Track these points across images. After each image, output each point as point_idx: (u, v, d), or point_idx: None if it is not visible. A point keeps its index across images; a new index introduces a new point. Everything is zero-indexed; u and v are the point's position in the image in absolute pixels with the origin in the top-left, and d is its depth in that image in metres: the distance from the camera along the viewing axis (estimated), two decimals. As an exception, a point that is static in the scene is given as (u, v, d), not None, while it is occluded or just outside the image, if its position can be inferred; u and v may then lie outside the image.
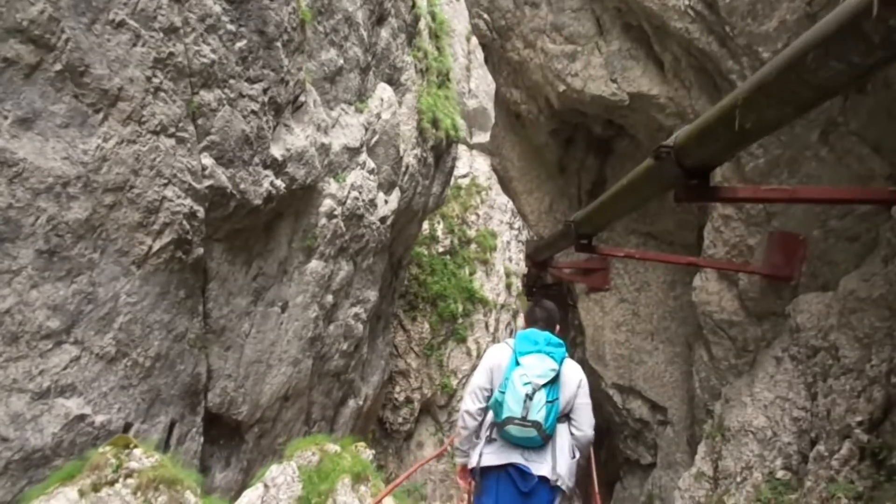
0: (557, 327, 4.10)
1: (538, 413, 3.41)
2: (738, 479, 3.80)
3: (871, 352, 3.26)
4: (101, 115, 6.87)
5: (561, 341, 3.81)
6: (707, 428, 4.80)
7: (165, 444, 8.46)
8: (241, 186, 8.92)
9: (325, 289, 11.39)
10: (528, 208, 9.50)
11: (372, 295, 13.10)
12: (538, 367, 3.51)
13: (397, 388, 19.58)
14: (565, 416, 3.67)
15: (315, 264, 11.09)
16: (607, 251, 5.86)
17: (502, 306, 24.69)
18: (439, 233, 22.50)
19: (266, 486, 5.46)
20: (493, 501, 3.55)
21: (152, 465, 4.40)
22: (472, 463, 3.64)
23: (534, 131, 8.65)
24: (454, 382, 21.08)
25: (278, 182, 9.63)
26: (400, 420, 19.44)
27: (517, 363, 3.56)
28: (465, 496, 4.11)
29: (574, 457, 3.63)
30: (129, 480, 4.08)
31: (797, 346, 3.87)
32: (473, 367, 21.69)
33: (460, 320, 21.80)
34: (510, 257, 24.32)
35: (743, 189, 3.03)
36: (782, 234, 4.26)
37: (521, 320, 27.43)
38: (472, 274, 23.18)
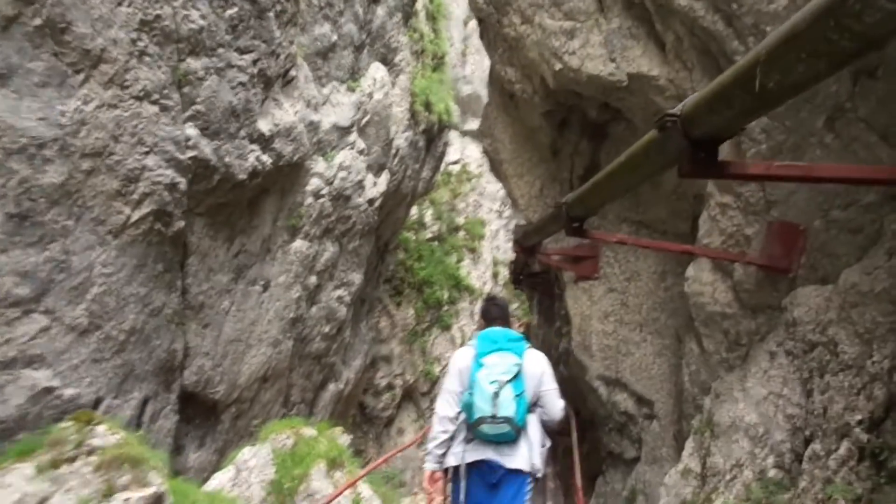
0: (516, 323, 4.14)
1: (508, 409, 3.55)
2: (728, 477, 3.65)
3: (872, 348, 3.12)
4: (81, 77, 6.59)
5: (520, 336, 3.95)
6: (695, 423, 4.62)
7: (137, 421, 8.24)
8: (226, 160, 8.67)
9: (309, 269, 11.18)
10: (519, 192, 9.21)
11: (357, 278, 12.90)
12: (501, 364, 3.65)
13: (379, 374, 19.42)
14: (534, 405, 3.82)
15: (299, 244, 10.87)
16: (599, 236, 5.64)
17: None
18: (428, 218, 22.30)
19: (238, 468, 5.27)
20: (464, 494, 3.71)
21: (116, 443, 4.19)
22: (453, 463, 3.78)
23: (527, 112, 8.38)
24: (437, 369, 20.96)
25: (264, 157, 9.39)
26: (381, 405, 19.30)
27: (480, 364, 3.70)
28: (434, 500, 4.10)
29: (544, 445, 3.83)
30: (91, 458, 3.88)
31: (793, 341, 3.72)
32: (457, 356, 21.59)
33: (446, 307, 21.65)
34: (498, 246, 24.19)
35: (755, 165, 2.87)
36: (782, 225, 4.08)
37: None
38: (459, 261, 23.03)
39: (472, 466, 3.74)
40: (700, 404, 4.87)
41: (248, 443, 8.79)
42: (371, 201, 12.59)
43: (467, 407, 3.70)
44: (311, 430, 6.12)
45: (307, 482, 5.24)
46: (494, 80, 9.45)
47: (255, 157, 9.15)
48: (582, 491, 5.18)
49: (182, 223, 8.26)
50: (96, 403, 7.55)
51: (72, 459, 3.94)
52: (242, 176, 8.96)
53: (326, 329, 12.12)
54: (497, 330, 4.02)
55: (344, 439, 6.61)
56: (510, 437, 3.67)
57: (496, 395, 3.59)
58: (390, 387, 19.53)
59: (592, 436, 8.42)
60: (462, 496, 3.73)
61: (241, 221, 9.73)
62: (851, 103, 3.56)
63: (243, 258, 9.84)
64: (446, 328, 21.68)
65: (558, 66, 5.89)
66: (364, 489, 5.69)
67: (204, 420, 9.85)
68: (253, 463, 5.29)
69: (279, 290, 10.54)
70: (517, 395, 3.63)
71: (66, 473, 3.83)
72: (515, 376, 3.68)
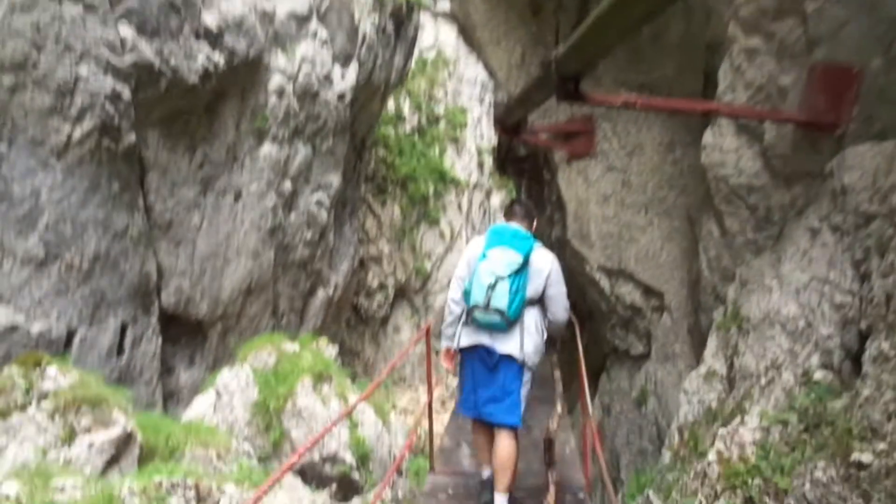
0: (534, 223, 4.40)
1: (500, 301, 3.74)
2: (763, 381, 3.17)
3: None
4: (-19, -23, 5.74)
5: (529, 234, 4.08)
6: (717, 317, 4.11)
7: (118, 348, 7.95)
8: (172, 62, 7.85)
9: (282, 175, 10.57)
10: (496, 62, 8.13)
11: (334, 179, 12.30)
12: (502, 259, 3.80)
13: (370, 275, 19.20)
14: (537, 302, 4.00)
15: (268, 148, 10.19)
16: (600, 98, 4.82)
17: (475, 186, 23.97)
18: (406, 111, 21.28)
19: (218, 392, 4.97)
20: (470, 375, 4.06)
21: (71, 385, 3.83)
22: (454, 345, 4.09)
23: (500, -38, 7.38)
24: (428, 266, 20.73)
25: (216, 56, 8.54)
26: (375, 306, 19.21)
27: (484, 255, 3.88)
28: (450, 374, 4.50)
29: (543, 337, 4.02)
30: (45, 403, 3.52)
31: (842, 214, 3.11)
32: (447, 250, 21.36)
33: (432, 202, 21.11)
34: (481, 134, 23.33)
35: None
36: (828, 68, 3.30)
37: (494, 199, 26.86)
38: (442, 153, 22.24)
39: (473, 349, 4.03)
40: (722, 294, 4.36)
41: (228, 364, 8.58)
42: (341, 96, 11.77)
43: (466, 294, 3.96)
44: (294, 344, 5.78)
45: (293, 400, 4.97)
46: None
47: (205, 56, 8.31)
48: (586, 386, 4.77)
49: (133, 137, 7.59)
50: (69, 337, 7.21)
51: (23, 407, 3.58)
52: (193, 79, 8.17)
53: (308, 235, 11.67)
54: (506, 226, 4.21)
55: (330, 351, 6.31)
56: (501, 326, 3.88)
57: (491, 287, 3.78)
58: (382, 287, 19.37)
59: (593, 331, 7.91)
60: (467, 373, 4.09)
61: (200, 130, 9.01)
62: None
63: (208, 169, 9.21)
64: (434, 223, 21.26)
65: None
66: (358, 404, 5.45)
67: (190, 339, 9.59)
68: (234, 385, 4.98)
69: (252, 199, 9.99)
70: (513, 290, 3.79)
71: (18, 422, 3.47)
72: (516, 272, 3.82)
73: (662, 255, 6.25)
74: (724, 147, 4.26)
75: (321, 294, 12.77)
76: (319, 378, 5.35)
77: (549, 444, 4.27)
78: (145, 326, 8.49)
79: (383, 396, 16.92)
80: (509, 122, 6.44)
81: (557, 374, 4.88)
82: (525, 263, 3.87)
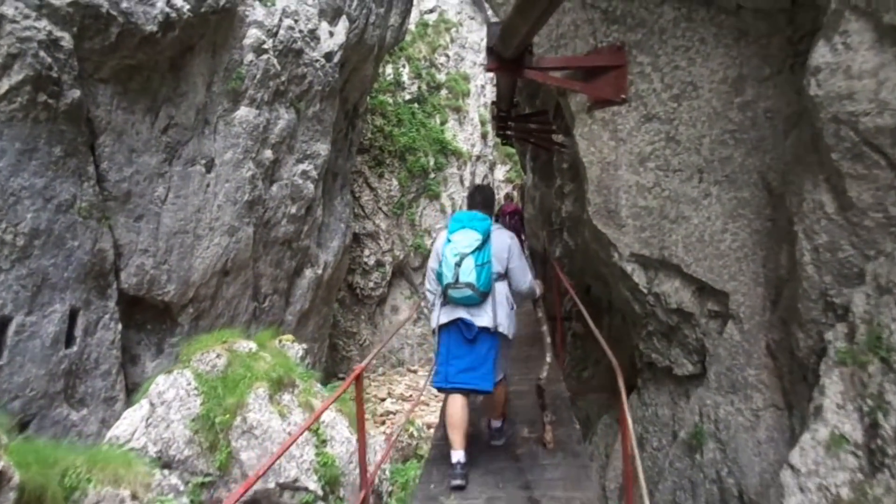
0: (495, 208, 4.98)
1: (468, 276, 4.13)
2: None
3: None
4: None
5: (486, 216, 4.45)
6: (835, 340, 2.79)
7: (68, 336, 6.99)
8: (124, 6, 6.78)
9: (261, 142, 9.51)
10: None
11: (322, 148, 11.23)
12: (465, 239, 4.22)
13: (366, 252, 18.19)
14: (504, 276, 4.37)
15: (244, 112, 9.11)
16: None
17: (478, 157, 22.83)
18: (405, 78, 20.09)
19: (152, 403, 4.00)
20: (446, 349, 4.30)
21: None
22: (432, 323, 4.40)
23: None
24: (428, 242, 19.71)
25: (179, 2, 7.45)
26: (371, 285, 18.23)
27: (449, 241, 4.28)
28: None
29: (512, 308, 4.38)
30: None
31: None
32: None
33: (432, 175, 20.01)
34: (485, 103, 22.15)
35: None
36: None
37: (498, 173, 25.70)
38: (443, 123, 21.09)
39: (452, 325, 4.29)
40: (839, 303, 2.95)
41: (164, 369, 7.54)
42: (329, 55, 10.65)
43: (438, 276, 4.34)
44: (249, 343, 4.79)
45: (243, 414, 4.00)
46: None
47: (165, 1, 7.23)
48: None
49: (77, 93, 6.55)
50: (3, 324, 6.25)
51: None
52: (151, 27, 7.10)
53: (293, 210, 10.65)
54: (465, 212, 4.58)
55: (295, 350, 5.30)
56: (474, 299, 4.22)
57: (458, 264, 4.20)
58: (379, 264, 18.38)
59: (615, 331, 6.26)
60: (442, 349, 4.31)
61: (163, 88, 7.94)
62: None
63: (174, 134, 8.16)
64: (434, 197, 20.20)
65: None
66: (326, 413, 4.47)
67: (158, 325, 8.63)
68: (171, 395, 4.01)
69: (227, 168, 8.94)
70: (479, 265, 4.21)
71: None
72: (477, 249, 4.23)
73: (725, 240, 4.21)
74: (853, 68, 2.97)
75: (309, 274, 11.77)
76: (279, 385, 4.37)
77: (540, 390, 4.63)
78: (101, 312, 7.52)
79: (376, 388, 15.93)
80: (508, 52, 4.66)
81: (545, 328, 4.87)
82: (486, 240, 4.27)
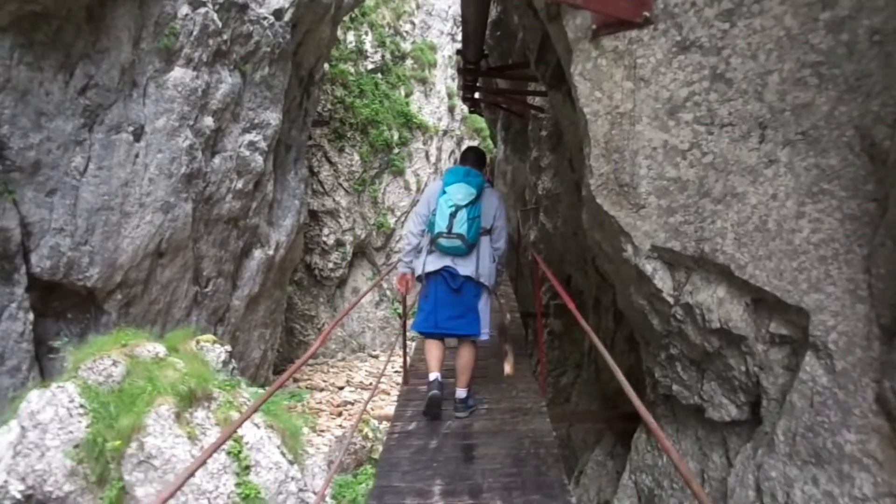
0: (486, 169, 5.11)
1: (461, 227, 4.46)
2: None
3: None
4: None
5: (479, 173, 4.71)
6: None
7: (-38, 329, 6.04)
8: (22, -60, 5.73)
9: (200, 108, 8.50)
10: None
11: (272, 117, 10.25)
12: (460, 192, 4.51)
13: (325, 231, 17.24)
14: (488, 231, 4.66)
15: (180, 73, 8.10)
16: None
17: (445, 132, 21.87)
18: (367, 46, 18.98)
19: (22, 427, 3.15)
20: (433, 296, 4.60)
21: None
22: (418, 271, 4.65)
23: None
24: (392, 221, 18.80)
25: (93, -60, 6.41)
26: (330, 265, 17.32)
27: (444, 192, 4.57)
28: (402, 297, 5.44)
29: (493, 261, 4.68)
30: None
31: None
32: (413, 203, 19.23)
33: (396, 150, 19.04)
34: (453, 75, 21.17)
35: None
36: None
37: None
38: (408, 95, 20.06)
39: (438, 273, 4.55)
40: None
41: (150, 333, 6.65)
42: (278, 13, 9.64)
43: (430, 224, 4.56)
44: (157, 346, 3.91)
45: (141, 438, 3.17)
46: None
47: (75, -63, 6.19)
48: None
49: (-36, 42, 5.51)
50: None
51: None
52: (58, -32, 6.06)
53: (239, 185, 9.69)
54: (461, 167, 4.76)
55: (216, 353, 4.44)
56: (462, 250, 4.49)
57: (452, 215, 4.46)
58: (339, 244, 17.45)
59: (615, 345, 4.95)
60: (430, 296, 4.57)
61: (79, 42, 6.91)
62: None
63: (95, 96, 7.14)
64: (399, 173, 19.28)
65: None
66: (249, 431, 3.65)
67: (80, 313, 7.67)
68: (47, 416, 3.15)
69: (159, 137, 7.94)
70: (471, 218, 4.49)
71: None
72: (471, 203, 4.49)
73: (802, 230, 2.79)
74: None
75: (258, 254, 10.83)
76: (190, 399, 3.53)
77: (502, 328, 5.40)
78: (7, 300, 6.55)
79: (335, 376, 14.93)
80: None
81: (501, 304, 5.46)
82: (479, 196, 4.54)
